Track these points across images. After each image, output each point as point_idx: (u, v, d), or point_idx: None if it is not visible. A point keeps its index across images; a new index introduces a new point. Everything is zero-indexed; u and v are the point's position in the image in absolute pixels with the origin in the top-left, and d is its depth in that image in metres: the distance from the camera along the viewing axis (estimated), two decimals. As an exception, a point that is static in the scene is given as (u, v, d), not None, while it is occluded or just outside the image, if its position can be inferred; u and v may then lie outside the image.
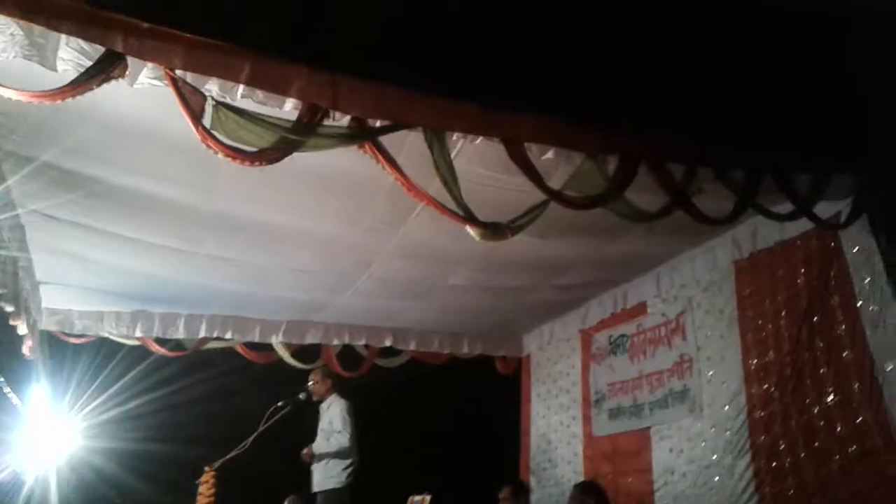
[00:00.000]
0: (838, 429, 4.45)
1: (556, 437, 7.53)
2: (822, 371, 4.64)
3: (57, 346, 6.71)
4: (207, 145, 2.87)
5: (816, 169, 4.15)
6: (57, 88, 2.64)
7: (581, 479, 6.80)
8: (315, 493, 5.80)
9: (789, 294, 4.92)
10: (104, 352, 6.80)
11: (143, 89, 2.82)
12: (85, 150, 3.75)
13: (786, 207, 4.20)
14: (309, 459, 5.71)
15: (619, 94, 3.68)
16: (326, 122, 3.04)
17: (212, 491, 5.72)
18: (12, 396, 5.28)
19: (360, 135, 3.13)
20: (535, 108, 3.47)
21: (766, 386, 5.01)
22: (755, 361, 5.14)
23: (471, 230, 3.56)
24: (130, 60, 2.70)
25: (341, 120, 3.10)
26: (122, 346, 6.88)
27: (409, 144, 3.31)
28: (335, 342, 7.47)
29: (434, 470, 7.73)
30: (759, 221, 4.95)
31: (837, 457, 4.43)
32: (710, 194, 3.91)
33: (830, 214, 4.43)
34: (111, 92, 2.80)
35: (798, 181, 4.09)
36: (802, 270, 4.85)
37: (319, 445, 5.80)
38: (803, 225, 4.61)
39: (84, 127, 3.46)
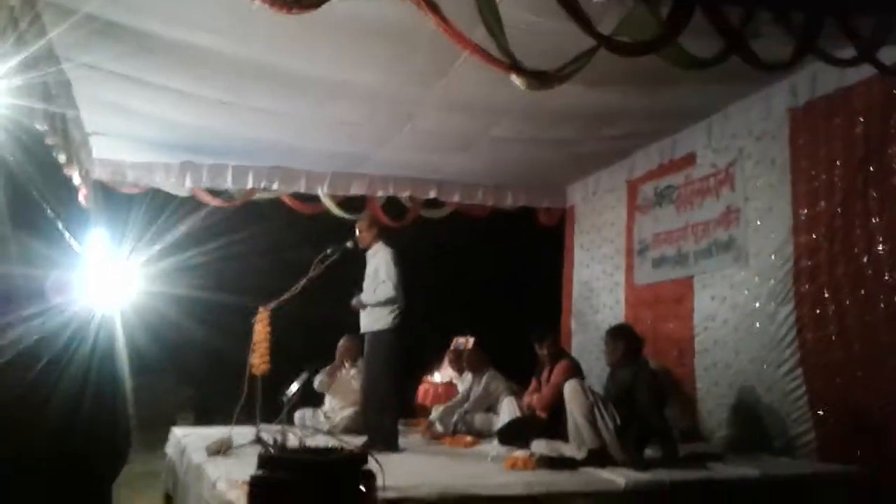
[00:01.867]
0: (885, 277, 4.43)
1: (598, 285, 7.66)
2: (873, 221, 4.56)
3: (112, 197, 6.94)
4: (244, -9, 2.79)
5: (880, 11, 3.88)
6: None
7: (621, 324, 6.99)
8: (363, 335, 6.06)
9: (845, 143, 4.76)
10: (158, 202, 7.02)
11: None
12: (125, 1, 3.70)
13: (848, 52, 3.97)
14: (356, 307, 5.92)
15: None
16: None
17: (267, 329, 6.00)
18: (73, 242, 5.52)
19: (400, -22, 3.01)
20: (586, -53, 3.27)
21: (814, 235, 4.96)
22: (805, 212, 5.06)
23: (516, 79, 3.45)
24: None
25: (381, -37, 2.97)
26: (174, 197, 7.07)
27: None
28: (380, 193, 7.57)
29: (478, 316, 8.01)
30: (819, 68, 4.71)
31: (883, 305, 4.43)
32: (768, 38, 3.71)
33: (894, 60, 4.18)
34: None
35: (861, 24, 3.84)
36: (861, 119, 4.65)
37: (366, 292, 6.00)
38: (864, 71, 4.37)
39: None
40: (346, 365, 7.07)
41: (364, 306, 5.85)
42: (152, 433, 6.84)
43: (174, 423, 6.86)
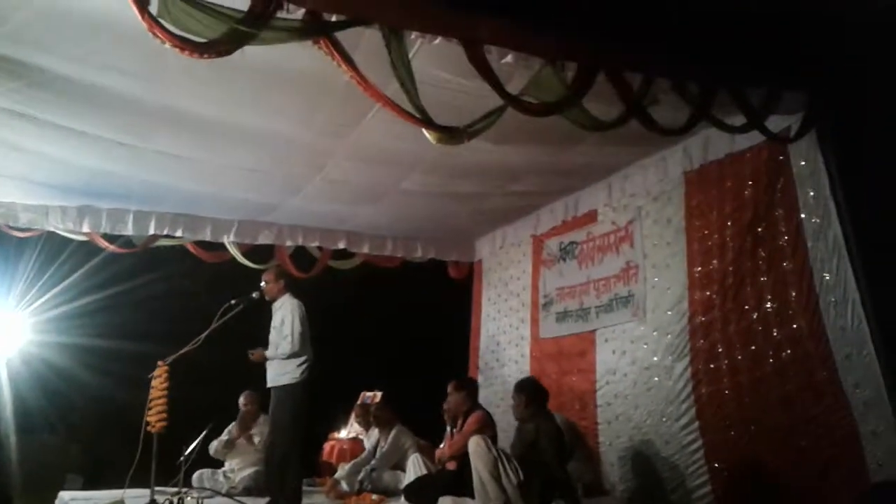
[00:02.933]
0: (775, 334, 4.66)
1: (504, 338, 7.74)
2: (762, 279, 4.81)
3: (2, 240, 6.57)
4: (154, 34, 2.75)
5: (769, 84, 4.19)
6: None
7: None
8: (269, 389, 5.90)
9: (736, 205, 5.04)
10: (52, 247, 6.70)
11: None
12: (25, 37, 3.60)
13: (738, 120, 4.25)
14: (258, 359, 5.78)
15: (581, 2, 3.61)
16: (280, 14, 2.94)
17: (165, 385, 5.76)
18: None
19: (314, 29, 3.03)
20: (496, 10, 3.40)
21: (708, 293, 5.19)
22: (699, 269, 5.30)
23: (427, 133, 3.52)
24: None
25: (295, 13, 2.99)
26: (69, 241, 6.75)
27: (365, 42, 3.23)
28: (288, 243, 7.46)
29: (386, 369, 7.94)
30: (711, 133, 5.02)
31: (772, 360, 4.66)
32: (664, 105, 3.93)
33: (781, 128, 4.50)
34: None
35: (751, 95, 4.13)
36: (750, 182, 4.95)
37: (272, 345, 5.86)
38: (753, 138, 4.68)
39: (22, 12, 3.29)
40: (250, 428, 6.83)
41: (266, 360, 5.72)
42: (37, 497, 6.38)
43: (62, 486, 6.42)
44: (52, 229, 6.55)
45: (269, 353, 5.72)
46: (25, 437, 6.62)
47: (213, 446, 6.63)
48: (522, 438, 4.97)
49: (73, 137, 4.81)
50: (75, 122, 4.66)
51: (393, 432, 6.61)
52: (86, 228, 6.58)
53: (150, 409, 5.45)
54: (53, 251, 6.63)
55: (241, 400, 6.90)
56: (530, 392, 5.12)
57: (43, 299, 6.17)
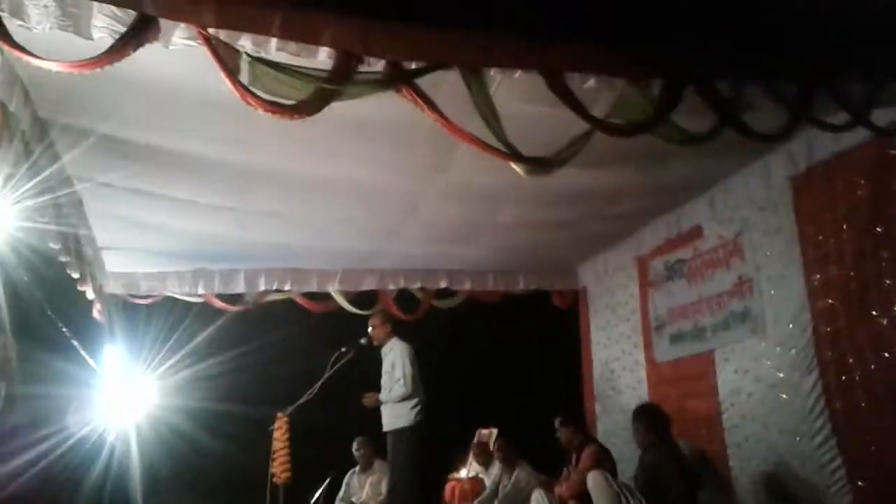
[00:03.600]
0: (908, 339, 4.36)
1: (618, 365, 7.55)
2: (887, 282, 4.51)
3: (128, 309, 6.97)
4: (247, 102, 2.87)
5: (870, 77, 3.95)
6: (94, 57, 2.67)
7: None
8: (386, 433, 5.95)
9: (850, 206, 4.77)
10: (173, 312, 7.03)
11: (181, 51, 2.83)
12: (133, 119, 3.85)
13: (841, 118, 4.03)
14: (371, 404, 5.84)
15: (658, 15, 3.53)
16: (361, 68, 3.02)
17: (286, 436, 5.92)
18: (87, 358, 5.52)
19: (395, 79, 3.09)
20: (572, 36, 3.36)
21: (830, 301, 4.90)
22: (818, 277, 5.02)
23: (515, 166, 3.51)
24: (163, 23, 2.71)
25: (376, 65, 3.06)
26: (189, 305, 7.10)
27: (446, 84, 3.26)
28: (391, 287, 7.57)
29: (499, 405, 7.87)
30: (814, 134, 4.76)
31: (908, 368, 4.35)
32: (760, 110, 3.77)
33: (887, 121, 4.23)
34: (152, 58, 2.83)
35: (852, 90, 3.91)
36: (862, 181, 4.68)
37: (384, 389, 5.94)
38: (860, 134, 4.41)
39: (131, 95, 3.53)
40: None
41: (380, 403, 5.79)
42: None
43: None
44: (169, 294, 6.91)
45: (382, 396, 5.79)
46: (158, 498, 6.88)
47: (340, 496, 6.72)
48: (645, 468, 4.80)
49: (183, 206, 5.09)
50: (183, 192, 4.93)
51: (516, 471, 6.52)
52: (201, 290, 6.92)
53: (273, 460, 5.60)
54: (175, 317, 6.95)
55: (354, 446, 7.00)
56: (649, 418, 4.95)
57: (165, 364, 6.46)
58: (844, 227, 4.80)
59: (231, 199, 5.15)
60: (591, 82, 3.43)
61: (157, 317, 6.93)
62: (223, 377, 6.93)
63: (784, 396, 5.25)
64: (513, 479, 6.47)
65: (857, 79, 3.91)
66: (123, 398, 6.16)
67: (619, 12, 3.50)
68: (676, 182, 5.65)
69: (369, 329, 6.24)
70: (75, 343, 5.32)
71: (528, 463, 6.57)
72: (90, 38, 2.67)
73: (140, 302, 6.97)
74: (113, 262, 6.41)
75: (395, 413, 5.84)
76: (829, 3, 3.70)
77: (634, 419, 5.05)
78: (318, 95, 2.98)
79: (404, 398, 5.78)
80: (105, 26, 2.65)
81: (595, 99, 3.57)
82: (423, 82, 3.16)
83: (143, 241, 5.98)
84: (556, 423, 5.72)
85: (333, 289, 7.35)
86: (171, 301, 7.04)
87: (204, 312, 7.14)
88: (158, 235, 5.79)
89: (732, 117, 3.67)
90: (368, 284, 7.46)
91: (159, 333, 6.68)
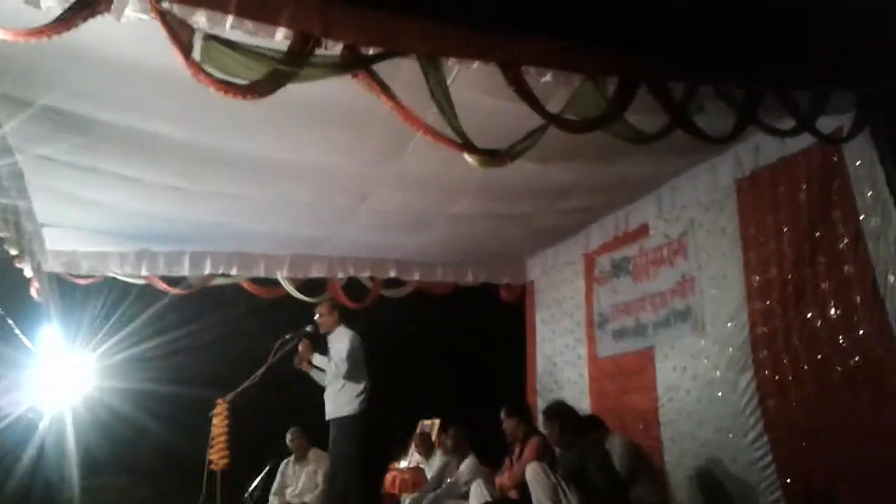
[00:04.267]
0: (840, 341, 4.51)
1: (561, 359, 7.64)
2: (823, 285, 4.67)
3: (66, 288, 6.77)
4: (198, 79, 2.81)
5: (816, 85, 4.08)
6: (42, 26, 2.58)
7: (586, 398, 6.94)
8: (329, 421, 5.92)
9: (791, 210, 4.92)
10: (113, 293, 6.87)
11: (133, 24, 2.75)
12: (80, 91, 3.73)
13: (787, 123, 4.14)
14: (302, 366, 5.81)
15: (618, 14, 3.58)
16: (318, 51, 2.98)
17: (225, 422, 5.85)
18: (23, 338, 5.36)
19: (352, 63, 3.06)
20: (532, 31, 3.39)
21: (768, 302, 5.05)
22: (757, 278, 5.17)
23: (469, 158, 3.52)
24: (115, -7, 2.63)
25: (333, 49, 3.03)
26: (130, 286, 6.93)
27: (403, 72, 3.25)
28: (340, 275, 7.52)
29: (443, 395, 7.91)
30: (761, 138, 4.90)
31: (840, 368, 4.50)
32: (710, 112, 3.86)
33: (833, 129, 4.38)
34: (101, 30, 2.74)
35: (799, 97, 4.03)
36: (804, 186, 4.83)
37: (329, 374, 5.90)
38: (805, 140, 4.56)
39: (78, 68, 3.42)
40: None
41: (313, 367, 5.76)
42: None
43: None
44: (111, 274, 6.74)
45: (327, 381, 5.75)
46: (93, 479, 6.74)
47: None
48: (567, 468, 4.83)
49: (128, 184, 4.95)
50: (129, 170, 4.80)
51: (465, 462, 6.51)
52: (144, 272, 6.75)
53: (211, 447, 5.53)
54: (116, 297, 6.80)
55: (288, 437, 6.97)
56: (559, 417, 4.96)
57: (105, 345, 6.31)
58: (785, 230, 4.95)
59: (179, 178, 5.03)
60: (548, 77, 3.46)
61: (98, 296, 6.76)
62: (165, 359, 6.81)
63: (720, 394, 5.39)
64: (462, 469, 6.49)
65: (804, 86, 4.03)
66: (60, 379, 5.98)
67: (578, 10, 3.54)
68: (626, 180, 5.73)
69: (316, 316, 6.19)
70: (10, 322, 5.15)
71: (475, 455, 6.60)
72: (37, 6, 2.58)
73: (80, 282, 6.77)
74: (53, 240, 6.21)
75: (340, 401, 5.81)
76: (781, 13, 3.80)
77: (547, 420, 5.06)
78: (272, 76, 2.93)
79: (347, 382, 5.76)
80: (54, -4, 2.56)
81: (551, 94, 3.60)
82: (381, 68, 3.14)
83: (86, 219, 5.80)
84: (502, 414, 5.76)
85: (281, 275, 7.26)
86: (113, 281, 6.86)
87: (146, 293, 6.98)
88: (102, 213, 5.63)
89: (684, 118, 3.74)
90: (317, 271, 7.39)
91: (100, 313, 6.52)
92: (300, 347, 5.95)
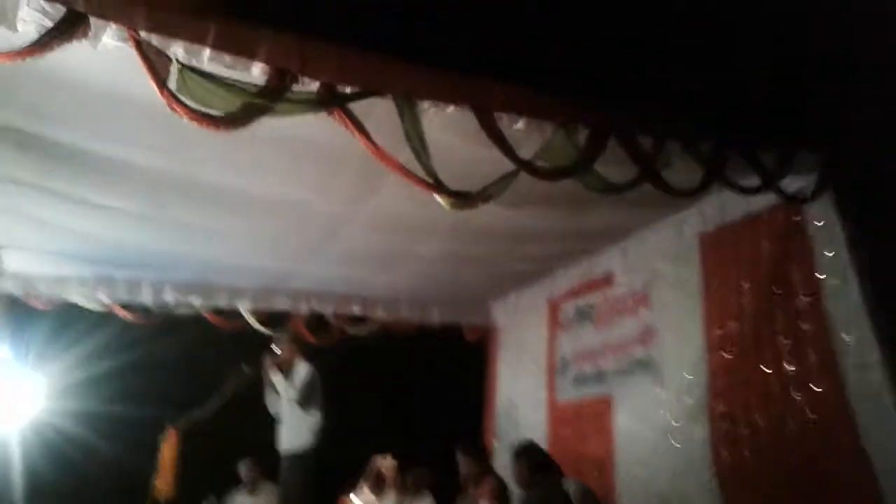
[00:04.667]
0: (796, 397, 4.56)
1: (521, 402, 7.62)
2: (782, 342, 4.73)
3: (22, 310, 6.60)
4: (173, 109, 2.80)
5: (781, 145, 4.20)
6: (17, 49, 2.56)
7: (544, 442, 6.90)
8: (281, 454, 5.83)
9: (752, 267, 5.00)
10: (70, 316, 6.72)
11: (109, 51, 2.74)
12: (47, 113, 3.66)
13: (753, 181, 4.25)
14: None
15: (591, 66, 3.67)
16: (295, 87, 3.00)
17: (174, 451, 5.72)
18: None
19: (328, 101, 3.09)
20: (507, 78, 3.45)
21: (726, 355, 5.11)
22: (718, 332, 5.22)
23: (440, 199, 3.55)
24: (93, 21, 2.62)
25: (310, 85, 3.05)
26: (89, 311, 6.78)
27: (378, 111, 3.28)
28: (303, 309, 7.45)
29: (400, 434, 7.80)
30: (726, 195, 4.99)
31: (793, 424, 4.55)
32: (678, 167, 3.94)
33: (796, 189, 4.49)
34: (75, 54, 2.73)
35: (765, 156, 4.14)
36: (767, 244, 4.92)
37: (284, 404, 5.85)
38: (770, 199, 4.67)
39: (46, 89, 3.37)
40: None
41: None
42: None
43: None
44: (68, 298, 6.58)
45: (283, 415, 5.68)
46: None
47: None
48: None
49: (92, 209, 4.86)
50: (92, 194, 4.71)
51: (422, 502, 6.40)
52: (102, 298, 6.61)
53: (158, 475, 5.40)
54: (70, 319, 6.65)
55: (244, 468, 6.84)
56: (532, 456, 4.90)
57: (58, 369, 6.14)
58: (746, 285, 5.02)
59: (145, 206, 4.94)
60: (521, 124, 3.51)
61: (54, 320, 6.60)
62: (118, 384, 6.66)
63: (676, 444, 5.41)
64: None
65: (769, 146, 4.14)
66: (8, 402, 5.79)
67: (552, 60, 3.62)
68: (593, 229, 5.80)
69: (276, 350, 6.12)
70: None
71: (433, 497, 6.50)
72: (14, 29, 2.56)
73: (37, 305, 6.60)
74: (11, 261, 6.06)
75: (294, 434, 5.74)
76: (748, 75, 3.92)
77: (515, 457, 4.99)
78: (247, 109, 2.94)
79: (304, 417, 5.70)
80: (32, 20, 2.55)
81: (523, 141, 3.65)
82: (356, 107, 3.16)
83: (46, 242, 5.68)
84: (458, 452, 5.69)
85: (243, 306, 7.16)
86: (69, 304, 6.71)
87: (104, 318, 6.84)
88: (62, 237, 5.51)
89: (652, 171, 3.82)
90: (280, 304, 7.31)
91: (54, 335, 6.36)
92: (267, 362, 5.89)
